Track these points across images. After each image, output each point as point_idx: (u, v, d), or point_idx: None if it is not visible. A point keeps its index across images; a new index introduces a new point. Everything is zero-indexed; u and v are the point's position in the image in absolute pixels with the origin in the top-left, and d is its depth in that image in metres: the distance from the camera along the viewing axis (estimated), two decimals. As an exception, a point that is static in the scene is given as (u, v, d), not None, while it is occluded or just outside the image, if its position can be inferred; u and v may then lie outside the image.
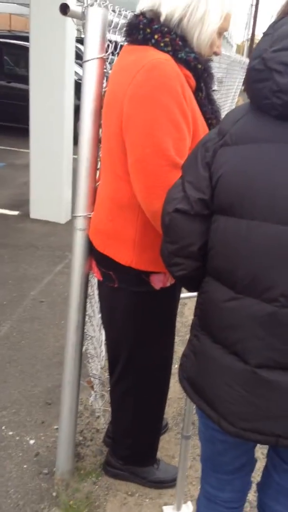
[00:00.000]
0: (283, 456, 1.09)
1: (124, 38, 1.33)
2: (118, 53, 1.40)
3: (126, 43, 1.32)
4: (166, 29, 1.21)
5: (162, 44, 1.20)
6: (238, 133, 0.91)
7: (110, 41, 1.46)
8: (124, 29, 1.30)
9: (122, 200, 1.32)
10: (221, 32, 1.30)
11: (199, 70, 1.24)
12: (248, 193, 0.88)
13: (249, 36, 27.63)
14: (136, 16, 1.27)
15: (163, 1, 1.21)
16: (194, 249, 0.99)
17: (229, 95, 8.07)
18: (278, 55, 0.82)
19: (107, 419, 2.07)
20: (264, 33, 0.89)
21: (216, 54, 1.33)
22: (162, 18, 1.21)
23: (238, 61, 7.39)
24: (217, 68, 6.16)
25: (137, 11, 1.29)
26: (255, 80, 0.87)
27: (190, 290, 1.11)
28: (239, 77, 8.41)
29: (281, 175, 0.85)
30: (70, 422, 1.73)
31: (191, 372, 1.06)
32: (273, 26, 0.88)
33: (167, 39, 1.20)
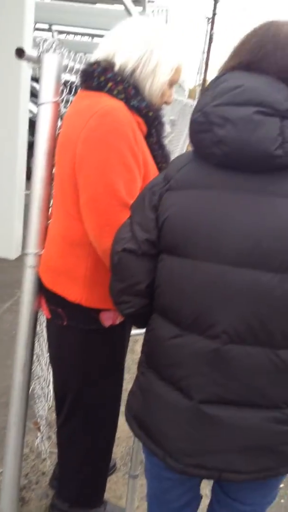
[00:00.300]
0: (226, 490, 1.11)
1: (79, 83, 1.39)
2: (73, 94, 1.46)
3: (80, 87, 1.38)
4: (119, 78, 1.27)
5: (115, 92, 1.26)
6: (182, 179, 0.97)
7: (65, 84, 1.53)
8: (79, 75, 1.37)
9: (73, 238, 1.35)
10: (172, 83, 1.38)
11: (150, 117, 1.32)
12: (191, 235, 0.93)
13: (201, 81, 29.02)
14: (91, 64, 1.33)
15: (117, 52, 1.29)
16: (141, 287, 1.03)
17: (181, 137, 8.42)
18: (217, 110, 0.89)
19: (53, 461, 2.00)
20: (206, 88, 0.96)
21: (167, 103, 1.42)
22: (116, 68, 1.28)
23: (190, 105, 7.73)
24: (170, 110, 6.42)
25: (92, 59, 1.35)
26: (197, 131, 0.93)
27: (139, 327, 1.14)
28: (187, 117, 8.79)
29: (221, 218, 0.91)
30: (15, 465, 1.67)
31: (138, 410, 1.08)
32: (214, 82, 0.95)
33: (120, 87, 1.26)
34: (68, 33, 14.43)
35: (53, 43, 1.44)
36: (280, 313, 0.90)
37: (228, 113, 0.88)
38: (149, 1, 9.95)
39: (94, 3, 10.96)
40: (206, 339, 0.93)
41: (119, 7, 8.18)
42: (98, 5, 11.33)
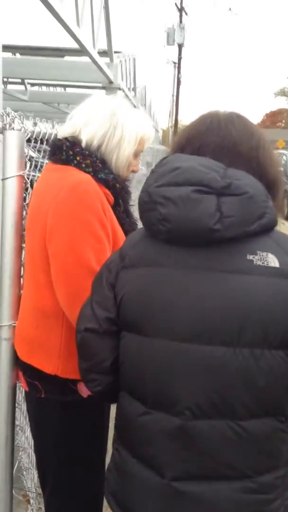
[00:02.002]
0: None
1: (47, 157, 1.44)
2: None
3: (49, 161, 1.43)
4: (87, 152, 1.34)
5: (83, 165, 1.32)
6: (136, 256, 1.01)
7: (31, 159, 1.57)
8: (48, 149, 1.42)
9: (46, 308, 1.35)
10: (137, 153, 1.45)
11: (117, 188, 1.37)
12: (146, 313, 0.96)
13: (173, 123, 29.93)
14: (59, 139, 1.39)
15: (82, 130, 1.35)
16: (106, 365, 1.04)
17: None
18: (160, 190, 0.95)
19: (44, 534, 1.92)
20: (152, 170, 1.02)
21: (133, 172, 1.48)
22: (83, 144, 1.34)
23: (161, 150, 8.04)
24: (146, 153, 6.67)
25: (60, 136, 1.41)
26: (144, 210, 0.99)
27: (110, 402, 1.14)
28: None
29: (173, 296, 0.94)
30: None
31: (114, 487, 1.06)
32: (159, 163, 1.01)
33: (88, 161, 1.32)
34: (41, 84, 14.87)
35: (15, 116, 1.49)
36: (238, 386, 0.91)
37: (169, 192, 0.93)
38: (115, 52, 10.35)
39: (63, 56, 11.38)
40: (171, 416, 0.94)
41: (87, 59, 8.48)
42: (67, 58, 11.76)
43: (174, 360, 0.93)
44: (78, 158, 1.32)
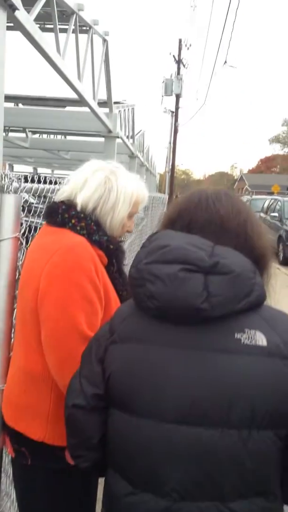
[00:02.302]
0: None
1: (43, 219, 1.47)
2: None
3: (45, 223, 1.46)
4: (82, 215, 1.37)
5: (78, 228, 1.35)
6: (125, 331, 1.01)
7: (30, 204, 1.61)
8: (44, 211, 1.46)
9: (35, 371, 1.34)
10: (131, 215, 1.49)
11: (111, 249, 1.40)
12: (134, 392, 0.96)
13: (170, 168, 30.60)
14: (55, 202, 1.43)
15: (78, 193, 1.39)
16: (93, 441, 1.03)
17: (154, 218, 9.02)
18: (148, 267, 0.97)
19: None
20: (142, 245, 1.04)
21: (128, 232, 1.52)
22: (78, 207, 1.38)
23: (158, 198, 8.24)
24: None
25: (56, 199, 1.46)
26: (134, 286, 1.00)
27: (98, 476, 1.12)
28: (160, 208, 9.33)
29: (161, 376, 0.94)
30: None
31: None
32: (149, 239, 1.04)
33: (83, 224, 1.36)
34: (42, 132, 15.28)
35: (13, 179, 1.53)
36: (226, 468, 0.90)
37: (157, 270, 0.95)
38: (115, 103, 10.72)
39: (64, 106, 11.76)
40: (158, 498, 0.92)
41: (88, 109, 8.78)
42: (68, 108, 12.14)
43: (162, 442, 0.92)
44: (73, 221, 1.35)
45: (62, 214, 1.37)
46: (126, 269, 1.48)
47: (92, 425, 1.02)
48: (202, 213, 1.04)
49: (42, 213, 1.50)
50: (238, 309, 0.93)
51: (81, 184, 1.40)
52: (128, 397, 0.97)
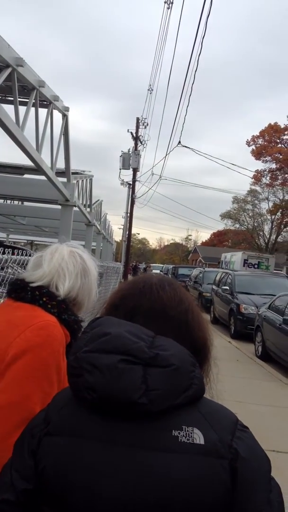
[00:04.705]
0: None
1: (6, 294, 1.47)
2: None
3: (9, 297, 1.44)
4: (52, 293, 1.40)
5: (49, 306, 1.37)
6: (59, 423, 0.94)
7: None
8: (9, 288, 1.45)
9: None
10: None
11: (76, 330, 1.42)
12: (66, 492, 0.88)
13: (126, 236, 31.21)
14: (22, 280, 1.44)
15: (57, 281, 1.43)
16: None
17: (108, 287, 9.02)
18: (87, 356, 0.92)
19: None
20: (83, 331, 1.00)
21: None
22: (60, 295, 1.41)
23: (111, 267, 8.45)
24: (100, 265, 7.05)
25: (26, 280, 1.44)
26: (71, 375, 0.94)
27: None
28: (114, 277, 9.43)
29: (95, 478, 0.87)
30: None
31: None
32: (90, 325, 1.00)
33: (54, 303, 1.39)
34: (-2, 197, 15.32)
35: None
36: None
37: (96, 360, 0.91)
38: (73, 173, 11.00)
39: (22, 174, 11.95)
40: None
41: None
42: (26, 176, 12.34)
43: None
44: (44, 299, 1.38)
45: (32, 292, 1.39)
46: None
47: None
48: (145, 300, 1.03)
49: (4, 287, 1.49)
50: (176, 404, 0.89)
51: (56, 272, 1.44)
52: (60, 497, 0.88)
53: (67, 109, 8.83)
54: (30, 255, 2.73)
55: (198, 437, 0.88)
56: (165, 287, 1.06)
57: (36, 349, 1.26)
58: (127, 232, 30.58)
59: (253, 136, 41.00)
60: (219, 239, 57.26)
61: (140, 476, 0.85)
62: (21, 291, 1.40)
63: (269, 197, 41.63)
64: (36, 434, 0.95)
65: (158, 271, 32.93)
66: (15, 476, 0.93)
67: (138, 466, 0.86)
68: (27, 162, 8.48)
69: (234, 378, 6.98)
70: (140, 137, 28.44)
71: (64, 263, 1.45)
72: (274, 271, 23.81)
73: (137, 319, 0.99)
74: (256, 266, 24.50)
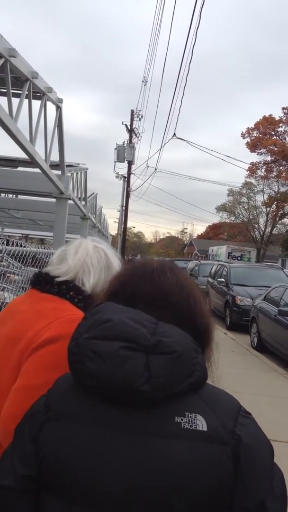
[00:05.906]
0: None
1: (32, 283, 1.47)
2: None
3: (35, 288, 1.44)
4: (79, 288, 1.41)
5: (76, 300, 1.39)
6: (61, 408, 0.93)
7: None
8: (32, 279, 1.46)
9: None
10: None
11: None
12: (68, 476, 0.87)
13: (122, 230, 31.17)
14: (46, 273, 1.44)
15: (82, 276, 1.42)
16: None
17: None
18: (89, 343, 0.91)
19: None
20: (84, 316, 0.99)
21: None
22: (86, 289, 1.41)
23: None
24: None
25: (54, 275, 1.43)
26: (72, 362, 0.93)
27: None
28: None
29: (97, 463, 0.86)
30: None
31: None
32: (91, 311, 0.98)
33: (80, 297, 1.40)
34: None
35: None
36: None
37: (98, 347, 0.90)
38: (67, 166, 10.95)
39: (16, 167, 11.88)
40: None
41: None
42: (20, 168, 12.26)
43: None
44: (71, 293, 1.39)
45: (59, 286, 1.40)
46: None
47: (21, 509, 0.90)
48: (146, 286, 1.01)
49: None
50: (179, 390, 0.88)
51: (81, 266, 1.44)
52: (62, 482, 0.87)
53: (60, 100, 8.77)
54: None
55: (201, 424, 0.87)
56: (166, 272, 1.03)
57: (64, 340, 1.23)
58: (123, 226, 30.52)
59: (248, 128, 40.94)
60: (214, 232, 57.28)
61: (142, 462, 0.85)
62: (46, 284, 1.41)
63: (264, 189, 41.60)
64: (37, 420, 0.94)
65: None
66: (16, 462, 0.92)
67: (140, 452, 0.85)
68: (21, 154, 8.45)
69: (230, 369, 6.99)
70: (135, 129, 28.32)
71: (88, 258, 1.46)
72: (267, 262, 24.71)
73: (137, 305, 0.98)
74: (239, 258, 27.11)
